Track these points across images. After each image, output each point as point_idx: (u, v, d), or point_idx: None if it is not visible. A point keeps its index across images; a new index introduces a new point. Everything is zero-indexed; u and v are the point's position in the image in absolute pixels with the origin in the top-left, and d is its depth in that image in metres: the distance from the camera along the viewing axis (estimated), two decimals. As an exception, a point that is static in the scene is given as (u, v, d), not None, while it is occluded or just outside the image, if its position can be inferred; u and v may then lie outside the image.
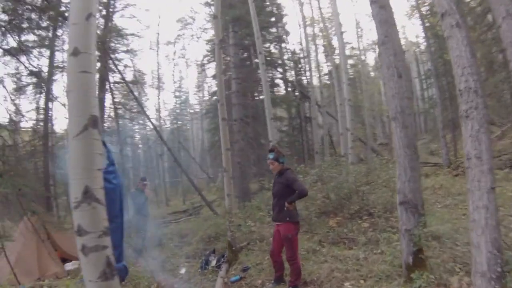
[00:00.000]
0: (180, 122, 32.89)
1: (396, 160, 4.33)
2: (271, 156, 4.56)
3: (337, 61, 16.36)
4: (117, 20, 15.78)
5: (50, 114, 12.50)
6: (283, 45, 16.45)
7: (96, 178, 1.96)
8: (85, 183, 1.91)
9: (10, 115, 10.30)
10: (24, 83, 11.76)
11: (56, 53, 11.69)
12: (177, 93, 29.94)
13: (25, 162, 11.45)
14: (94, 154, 1.97)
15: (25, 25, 8.84)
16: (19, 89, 11.72)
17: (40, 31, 9.74)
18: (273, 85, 15.81)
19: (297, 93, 15.74)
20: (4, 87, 9.12)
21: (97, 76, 13.47)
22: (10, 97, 9.82)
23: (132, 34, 14.92)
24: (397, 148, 4.29)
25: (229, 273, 5.54)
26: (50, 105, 11.99)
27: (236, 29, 12.67)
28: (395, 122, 4.32)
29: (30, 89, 12.16)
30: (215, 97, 17.11)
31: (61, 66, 12.01)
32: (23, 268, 6.59)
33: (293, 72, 16.51)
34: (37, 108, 12.72)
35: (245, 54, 14.79)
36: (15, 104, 11.82)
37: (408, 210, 4.02)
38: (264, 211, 8.27)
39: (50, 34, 10.84)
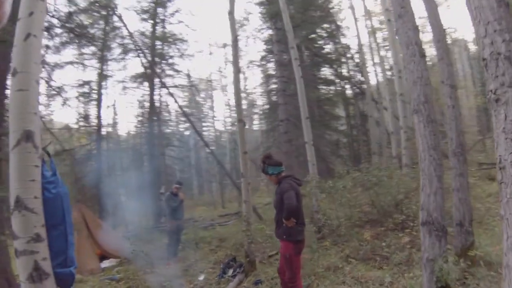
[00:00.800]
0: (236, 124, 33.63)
1: (419, 166, 3.68)
2: (260, 167, 4.37)
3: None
4: (170, 26, 16.74)
5: (101, 120, 14.04)
6: (338, 39, 16.00)
7: (29, 188, 2.23)
8: (17, 193, 2.20)
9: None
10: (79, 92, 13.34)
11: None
12: (243, 95, 30.56)
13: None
14: (27, 166, 2.25)
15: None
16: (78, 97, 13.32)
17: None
18: (328, 82, 15.46)
19: (356, 90, 15.25)
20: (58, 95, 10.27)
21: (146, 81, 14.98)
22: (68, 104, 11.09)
23: (181, 39, 15.78)
24: (420, 149, 3.65)
25: (241, 285, 5.55)
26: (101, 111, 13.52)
27: (279, 26, 12.66)
28: (418, 116, 3.67)
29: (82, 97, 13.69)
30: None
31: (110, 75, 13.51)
32: None
33: (348, 68, 16.02)
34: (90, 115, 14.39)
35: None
36: (84, 113, 13.56)
37: (432, 233, 3.38)
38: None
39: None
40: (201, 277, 6.41)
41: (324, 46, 15.98)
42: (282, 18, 9.35)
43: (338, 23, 16.35)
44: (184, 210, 9.09)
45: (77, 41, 9.90)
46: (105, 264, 8.22)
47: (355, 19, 14.66)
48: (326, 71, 16.07)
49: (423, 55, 3.76)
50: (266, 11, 12.66)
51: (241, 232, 7.83)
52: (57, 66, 12.89)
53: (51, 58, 10.48)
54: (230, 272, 6.15)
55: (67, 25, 8.80)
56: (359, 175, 7.60)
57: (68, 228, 2.55)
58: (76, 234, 8.10)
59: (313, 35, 15.25)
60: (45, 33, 7.52)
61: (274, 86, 15.89)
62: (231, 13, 6.95)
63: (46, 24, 7.36)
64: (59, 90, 10.72)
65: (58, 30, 9.02)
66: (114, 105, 19.37)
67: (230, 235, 9.82)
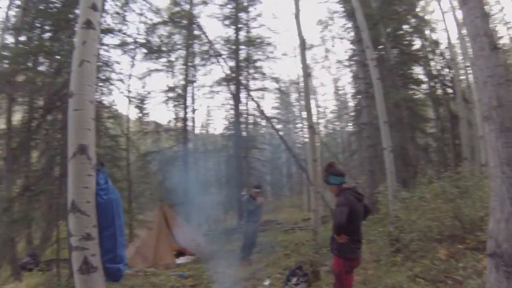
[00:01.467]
0: (330, 125, 33.29)
1: (490, 185, 3.18)
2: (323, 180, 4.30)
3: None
4: (254, 30, 17.31)
5: (187, 123, 15.17)
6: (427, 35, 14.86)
7: (83, 194, 2.62)
8: (72, 198, 2.61)
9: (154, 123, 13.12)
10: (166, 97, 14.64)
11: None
12: (336, 96, 30.14)
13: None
14: (82, 175, 2.64)
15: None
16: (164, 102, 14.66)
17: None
18: (416, 82, 14.45)
19: (446, 89, 13.99)
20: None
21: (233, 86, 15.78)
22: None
23: (264, 43, 16.22)
24: (491, 165, 3.14)
25: None
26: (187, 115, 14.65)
27: (357, 25, 12.24)
28: (489, 123, 3.13)
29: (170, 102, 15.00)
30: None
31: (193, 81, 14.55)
32: (142, 254, 8.43)
33: (437, 65, 14.73)
34: (176, 118, 15.62)
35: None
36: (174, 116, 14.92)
37: (499, 268, 2.86)
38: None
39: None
40: (267, 283, 6.52)
41: (413, 43, 14.98)
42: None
43: (426, 16, 15.20)
44: (262, 213, 9.31)
45: (149, 55, 10.89)
46: (181, 260, 8.90)
47: (442, 12, 13.47)
48: (415, 70, 15.07)
49: (494, 47, 3.17)
50: (344, 10, 12.36)
51: (325, 237, 8.00)
52: (145, 74, 14.42)
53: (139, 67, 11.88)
54: (294, 280, 6.14)
55: (137, 41, 9.74)
56: (442, 185, 7.00)
57: (117, 230, 2.91)
58: (155, 231, 9.00)
59: (400, 32, 14.45)
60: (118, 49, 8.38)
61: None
62: (297, 16, 7.02)
63: (119, 41, 8.23)
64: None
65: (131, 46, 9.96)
66: (198, 109, 20.63)
67: (308, 241, 9.76)
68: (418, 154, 14.06)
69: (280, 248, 9.73)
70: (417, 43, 15.38)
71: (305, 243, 9.34)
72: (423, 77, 15.22)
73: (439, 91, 14.87)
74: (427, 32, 15.25)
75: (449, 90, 14.10)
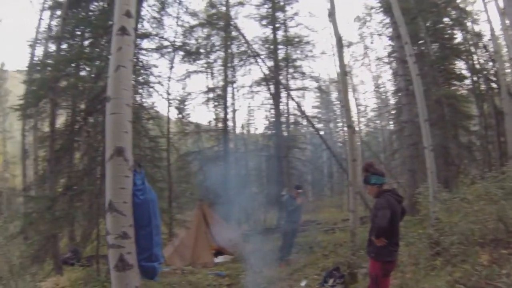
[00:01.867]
0: (371, 124, 32.62)
1: None
2: (362, 180, 4.19)
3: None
4: (293, 29, 17.34)
5: (228, 123, 15.45)
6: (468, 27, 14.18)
7: (119, 194, 2.75)
8: (110, 198, 2.74)
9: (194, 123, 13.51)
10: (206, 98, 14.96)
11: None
12: (377, 94, 29.52)
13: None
14: (119, 176, 2.78)
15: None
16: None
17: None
18: (458, 77, 13.86)
19: (490, 84, 13.31)
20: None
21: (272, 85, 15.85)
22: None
23: (303, 41, 16.20)
24: None
25: None
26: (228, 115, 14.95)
27: (395, 20, 11.91)
28: None
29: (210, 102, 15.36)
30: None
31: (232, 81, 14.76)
32: (180, 253, 8.66)
33: (480, 59, 14.02)
34: (216, 119, 15.89)
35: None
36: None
37: None
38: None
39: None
40: (303, 283, 6.54)
41: (454, 36, 14.38)
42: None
43: (467, 7, 14.52)
44: (301, 214, 9.27)
45: (186, 58, 11.18)
46: (219, 259, 9.06)
47: (484, 2, 12.77)
48: (457, 64, 14.46)
49: None
50: (381, 5, 12.11)
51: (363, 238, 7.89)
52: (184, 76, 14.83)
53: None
54: (331, 282, 6.12)
55: (175, 44, 9.99)
56: (485, 185, 6.67)
57: (154, 229, 3.02)
58: (194, 230, 9.21)
59: (440, 25, 13.93)
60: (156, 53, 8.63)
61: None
62: (332, 14, 6.95)
63: (157, 45, 8.48)
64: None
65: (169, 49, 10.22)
66: (238, 109, 20.82)
67: (346, 242, 9.72)
68: (461, 152, 13.52)
69: (319, 248, 9.67)
70: (459, 36, 14.73)
71: (343, 244, 9.22)
72: (465, 72, 14.57)
73: (483, 86, 14.18)
74: (468, 24, 14.55)
75: (494, 85, 13.40)
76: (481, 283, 4.65)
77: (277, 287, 6.48)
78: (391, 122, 25.29)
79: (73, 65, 7.26)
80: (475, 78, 14.26)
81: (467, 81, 14.55)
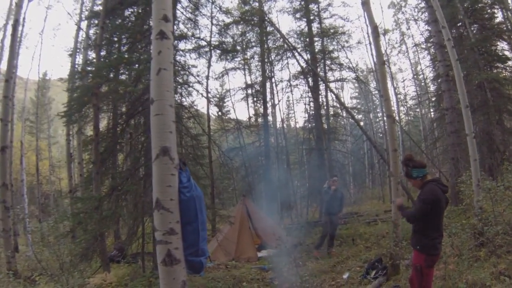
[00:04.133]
0: (412, 113, 31.72)
1: None
2: (402, 172, 4.18)
3: None
4: (327, 21, 17.18)
5: (268, 118, 15.58)
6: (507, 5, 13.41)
7: (166, 192, 2.86)
8: (157, 196, 2.86)
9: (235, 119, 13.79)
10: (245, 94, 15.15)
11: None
12: (416, 81, 28.70)
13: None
14: (165, 175, 2.89)
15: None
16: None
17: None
18: (501, 59, 13.17)
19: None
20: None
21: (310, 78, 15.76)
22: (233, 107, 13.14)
23: (338, 32, 16.03)
24: None
25: None
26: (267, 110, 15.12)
27: (431, 4, 11.48)
28: None
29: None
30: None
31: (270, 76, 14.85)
32: (224, 248, 8.84)
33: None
34: (256, 114, 16.04)
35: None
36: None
37: None
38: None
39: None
40: (346, 275, 6.54)
41: (494, 16, 13.69)
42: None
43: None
44: (340, 204, 9.20)
45: (223, 56, 11.33)
46: (263, 253, 9.16)
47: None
48: (499, 46, 13.74)
49: None
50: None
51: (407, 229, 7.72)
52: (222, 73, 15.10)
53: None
54: (373, 273, 6.10)
55: (211, 43, 10.14)
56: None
57: (200, 225, 3.13)
58: (237, 225, 9.36)
59: (479, 5, 13.30)
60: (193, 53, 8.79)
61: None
62: (366, 3, 6.80)
63: (194, 45, 8.63)
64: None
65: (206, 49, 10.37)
66: (278, 104, 20.79)
67: (388, 233, 9.50)
68: (506, 138, 12.90)
69: (361, 240, 9.66)
70: (499, 16, 14.04)
71: (385, 235, 9.14)
72: (508, 53, 13.86)
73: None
74: (509, 1, 13.80)
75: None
76: (526, 275, 4.45)
77: (319, 279, 6.48)
78: (431, 110, 24.55)
79: (113, 70, 7.54)
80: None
81: (511, 63, 13.83)
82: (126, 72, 8.33)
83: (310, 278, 6.38)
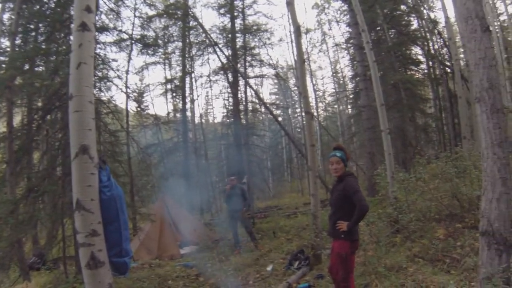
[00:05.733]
0: (330, 109, 33.39)
1: (481, 165, 3.29)
2: (338, 154, 3.96)
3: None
4: (250, 18, 17.32)
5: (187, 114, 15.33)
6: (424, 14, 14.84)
7: (86, 192, 2.76)
8: (77, 196, 2.74)
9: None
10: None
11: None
12: (335, 79, 30.12)
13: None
14: (84, 174, 2.78)
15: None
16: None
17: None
18: (414, 62, 14.51)
19: (444, 68, 14.04)
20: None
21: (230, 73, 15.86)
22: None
23: (260, 30, 16.28)
24: (482, 146, 3.20)
25: (303, 278, 5.64)
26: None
27: (353, 8, 12.25)
28: (480, 105, 3.17)
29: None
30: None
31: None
32: (147, 246, 8.65)
33: (436, 45, 14.79)
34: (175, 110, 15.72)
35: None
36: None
37: (491, 246, 3.00)
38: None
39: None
40: (269, 268, 6.64)
41: (410, 23, 15.00)
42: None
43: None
44: (243, 199, 9.10)
45: (144, 50, 11.01)
46: (185, 250, 9.09)
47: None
48: (413, 50, 15.12)
49: (486, 29, 3.19)
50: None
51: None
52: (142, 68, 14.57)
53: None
54: (296, 264, 6.29)
55: (133, 37, 9.82)
56: (440, 165, 7.09)
57: (122, 224, 3.05)
58: (158, 222, 9.17)
59: (397, 12, 14.46)
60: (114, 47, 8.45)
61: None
62: (290, 3, 7.00)
63: (115, 38, 8.29)
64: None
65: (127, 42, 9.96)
66: (197, 99, 20.71)
67: (308, 225, 9.92)
68: (418, 134, 14.23)
69: (282, 233, 9.91)
70: (415, 23, 15.45)
71: (306, 227, 9.50)
72: (421, 58, 15.33)
73: (438, 71, 14.94)
74: (424, 11, 15.21)
75: (448, 70, 14.15)
76: (438, 256, 4.98)
77: (244, 273, 6.59)
78: (349, 107, 26.15)
79: (28, 61, 6.93)
80: (430, 63, 14.98)
81: (423, 66, 15.30)
82: (43, 64, 7.71)
83: (235, 272, 6.48)
